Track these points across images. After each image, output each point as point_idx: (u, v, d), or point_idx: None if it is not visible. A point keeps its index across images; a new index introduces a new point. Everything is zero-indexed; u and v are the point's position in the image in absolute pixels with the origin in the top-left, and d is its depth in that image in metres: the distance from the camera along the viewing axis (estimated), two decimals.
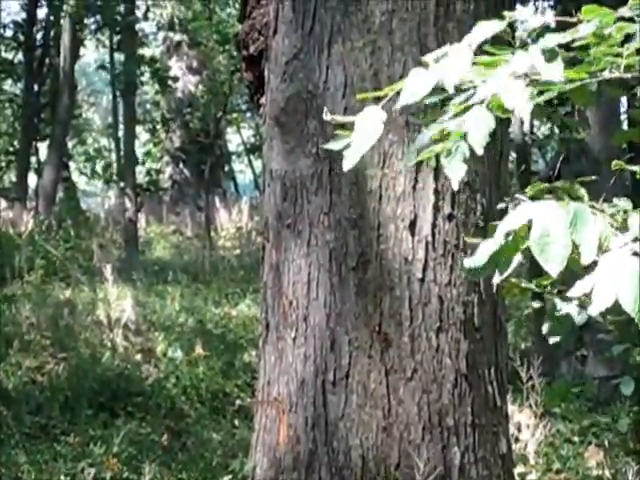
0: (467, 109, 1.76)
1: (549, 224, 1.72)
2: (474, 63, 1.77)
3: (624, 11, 1.79)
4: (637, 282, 1.63)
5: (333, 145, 1.87)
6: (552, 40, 1.75)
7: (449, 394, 3.38)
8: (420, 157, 1.89)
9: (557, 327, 1.85)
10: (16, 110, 19.83)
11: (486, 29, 1.79)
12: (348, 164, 1.81)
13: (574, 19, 1.81)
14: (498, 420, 3.52)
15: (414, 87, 1.79)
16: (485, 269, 1.88)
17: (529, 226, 1.76)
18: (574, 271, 1.78)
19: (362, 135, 1.81)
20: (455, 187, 1.79)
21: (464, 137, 1.74)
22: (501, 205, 2.14)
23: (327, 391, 3.41)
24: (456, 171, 1.77)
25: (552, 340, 1.87)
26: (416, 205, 3.37)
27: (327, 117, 2.04)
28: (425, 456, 3.35)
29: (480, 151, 1.73)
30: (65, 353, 7.55)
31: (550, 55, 1.73)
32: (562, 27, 1.84)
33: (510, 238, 1.83)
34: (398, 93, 1.83)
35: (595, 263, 1.70)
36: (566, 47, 1.80)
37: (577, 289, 1.75)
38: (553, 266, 1.71)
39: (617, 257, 1.67)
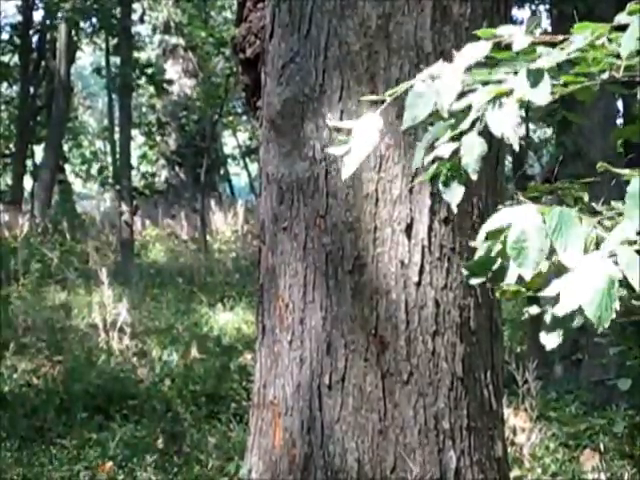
0: (461, 134, 1.79)
1: (526, 229, 1.74)
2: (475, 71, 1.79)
3: (621, 18, 1.78)
4: (603, 288, 1.64)
5: (334, 150, 1.89)
6: (545, 60, 1.76)
7: (445, 397, 3.38)
8: (417, 181, 1.93)
9: (558, 324, 1.85)
10: (12, 113, 19.84)
11: (476, 51, 1.83)
12: (347, 172, 1.84)
13: (567, 36, 1.81)
14: (494, 423, 3.52)
15: (415, 110, 1.84)
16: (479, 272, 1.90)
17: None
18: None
19: (360, 142, 1.83)
20: (455, 210, 1.81)
21: (459, 162, 1.78)
22: (500, 207, 2.15)
23: (323, 394, 3.41)
24: (454, 195, 1.81)
25: (549, 346, 1.87)
26: (412, 208, 3.37)
27: (329, 122, 2.06)
28: (421, 459, 3.35)
29: (475, 177, 1.76)
30: (60, 356, 7.54)
31: (535, 77, 1.75)
32: (558, 32, 1.84)
33: (495, 241, 1.85)
34: (396, 98, 1.85)
35: None
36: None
37: (552, 289, 1.77)
38: (526, 270, 1.75)
39: (591, 261, 1.69)
